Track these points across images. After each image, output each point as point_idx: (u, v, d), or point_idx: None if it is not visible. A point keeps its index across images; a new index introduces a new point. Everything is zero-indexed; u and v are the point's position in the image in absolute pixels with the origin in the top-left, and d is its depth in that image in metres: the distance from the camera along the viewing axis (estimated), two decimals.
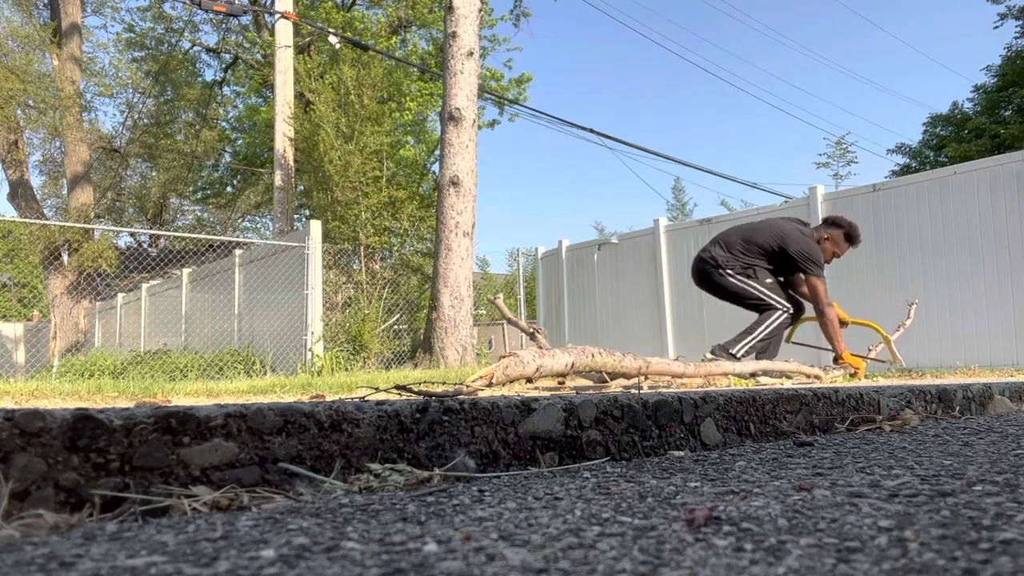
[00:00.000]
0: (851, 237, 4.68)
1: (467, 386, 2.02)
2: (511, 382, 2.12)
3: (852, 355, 4.62)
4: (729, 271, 4.49)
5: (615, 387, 3.19)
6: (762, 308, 4.49)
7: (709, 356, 4.32)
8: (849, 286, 7.87)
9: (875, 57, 59.78)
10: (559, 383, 3.59)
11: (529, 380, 2.16)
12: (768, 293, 4.47)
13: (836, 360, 4.60)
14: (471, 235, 8.40)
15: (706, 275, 4.63)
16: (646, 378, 3.09)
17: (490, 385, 2.03)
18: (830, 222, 4.76)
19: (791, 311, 4.51)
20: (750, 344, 4.38)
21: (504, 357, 2.11)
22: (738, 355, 4.34)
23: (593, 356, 2.31)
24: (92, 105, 21.98)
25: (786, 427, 1.95)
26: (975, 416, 2.53)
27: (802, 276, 4.55)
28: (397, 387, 1.63)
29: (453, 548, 0.75)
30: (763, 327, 4.43)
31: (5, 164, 16.55)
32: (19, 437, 0.92)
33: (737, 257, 4.52)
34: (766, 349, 4.46)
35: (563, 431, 1.46)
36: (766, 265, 4.54)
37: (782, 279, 4.67)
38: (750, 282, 4.48)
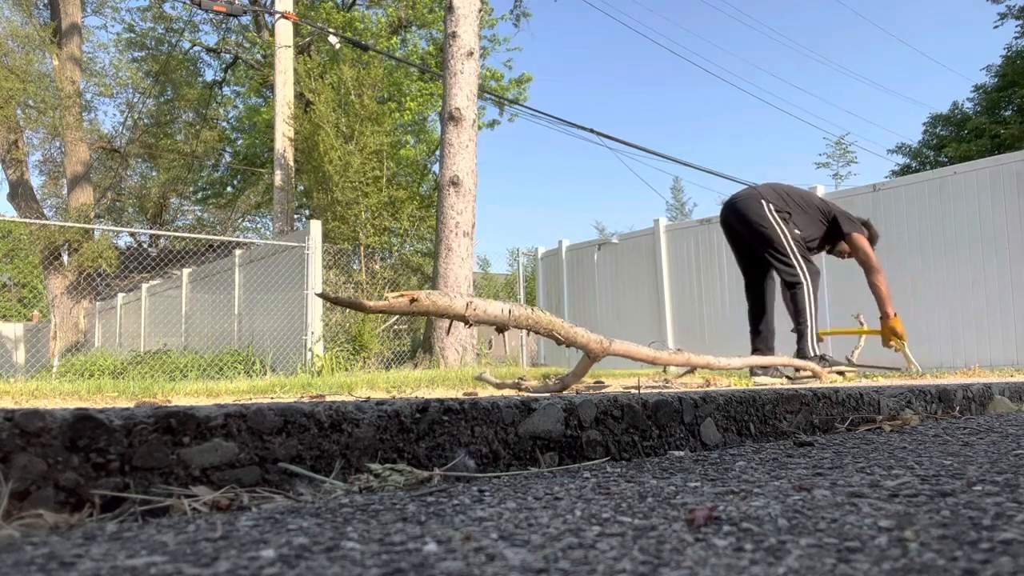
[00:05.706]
0: (872, 240, 4.82)
1: (388, 302, 1.88)
2: (440, 316, 2.03)
3: (898, 323, 4.68)
4: (772, 204, 4.56)
5: (616, 387, 3.20)
6: (781, 266, 4.48)
7: (796, 375, 4.28)
8: (848, 286, 7.88)
9: (876, 57, 59.86)
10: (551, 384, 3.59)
11: (465, 322, 2.05)
12: (794, 249, 4.48)
13: (884, 319, 4.65)
14: (471, 235, 8.40)
15: (745, 206, 4.63)
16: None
17: (413, 302, 1.90)
18: (861, 222, 4.87)
19: (811, 278, 4.49)
20: (808, 333, 4.40)
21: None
22: (816, 352, 4.38)
23: (533, 310, 2.26)
24: (92, 105, 22.05)
25: (786, 427, 1.95)
26: (975, 416, 2.53)
27: (842, 245, 4.71)
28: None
29: (453, 548, 0.75)
30: (803, 312, 4.43)
31: (5, 164, 16.56)
32: (19, 437, 0.92)
33: (780, 197, 4.64)
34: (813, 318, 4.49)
35: (563, 431, 1.46)
36: (800, 218, 4.62)
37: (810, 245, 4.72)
38: (784, 227, 4.52)
